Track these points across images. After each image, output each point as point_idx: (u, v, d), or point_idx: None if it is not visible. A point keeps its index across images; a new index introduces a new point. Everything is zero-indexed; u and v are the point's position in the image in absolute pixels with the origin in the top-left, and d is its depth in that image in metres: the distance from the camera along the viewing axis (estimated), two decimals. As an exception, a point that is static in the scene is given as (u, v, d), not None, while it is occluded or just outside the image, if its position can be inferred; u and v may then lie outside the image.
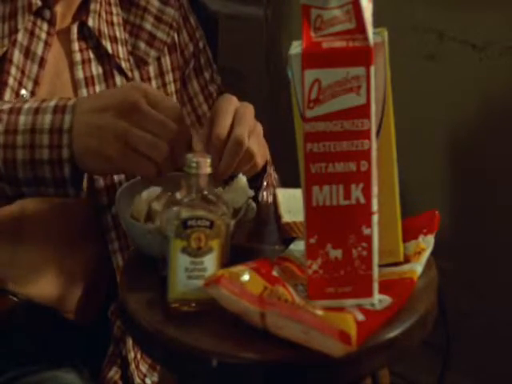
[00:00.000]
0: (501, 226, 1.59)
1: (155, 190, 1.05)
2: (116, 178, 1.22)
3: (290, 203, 1.11)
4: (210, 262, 0.90)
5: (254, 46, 1.86)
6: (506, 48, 1.49)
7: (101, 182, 1.21)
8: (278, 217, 1.10)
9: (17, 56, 1.18)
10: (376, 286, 0.88)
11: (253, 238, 1.08)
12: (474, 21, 1.51)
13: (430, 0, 1.56)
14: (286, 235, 1.06)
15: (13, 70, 1.17)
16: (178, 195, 0.92)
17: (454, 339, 1.08)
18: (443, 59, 1.56)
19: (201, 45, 1.38)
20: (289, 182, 1.12)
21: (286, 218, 1.07)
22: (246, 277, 0.88)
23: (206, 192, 0.91)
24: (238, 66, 1.81)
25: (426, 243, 0.99)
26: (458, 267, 1.56)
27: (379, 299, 0.89)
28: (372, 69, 0.84)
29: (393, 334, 0.87)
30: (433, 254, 1.01)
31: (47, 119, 1.00)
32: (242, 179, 1.06)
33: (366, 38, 0.85)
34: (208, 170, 0.91)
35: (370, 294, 0.88)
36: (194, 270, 0.90)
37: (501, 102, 1.53)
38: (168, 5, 1.32)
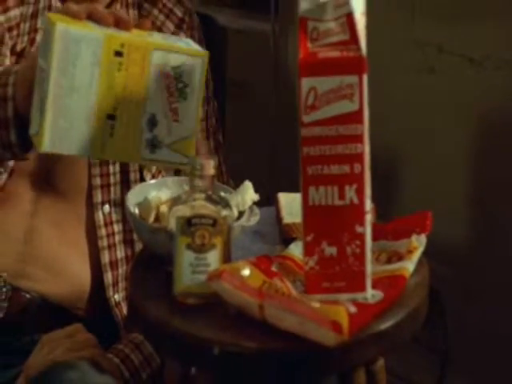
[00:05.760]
0: (499, 231, 1.62)
1: (164, 194, 1.11)
2: (112, 179, 1.28)
3: (292, 206, 1.16)
4: (213, 258, 0.96)
5: (262, 59, 1.90)
6: (503, 61, 1.52)
7: (97, 179, 1.27)
8: (279, 219, 1.15)
9: None
10: (369, 281, 0.94)
11: (255, 239, 1.13)
12: (471, 35, 1.54)
13: (429, 14, 1.60)
14: (287, 236, 1.12)
15: None
16: (184, 196, 0.98)
17: (453, 340, 1.12)
18: (442, 73, 1.60)
19: None
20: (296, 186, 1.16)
21: (287, 219, 1.13)
22: (246, 271, 0.94)
23: (209, 192, 0.97)
24: (247, 79, 1.86)
25: (419, 242, 1.04)
26: (457, 270, 1.59)
27: (372, 294, 0.94)
28: (365, 77, 0.90)
29: (384, 326, 0.93)
30: (433, 258, 1.05)
31: None
32: (248, 184, 1.11)
33: (358, 48, 0.90)
34: (212, 171, 0.97)
35: (363, 288, 0.94)
36: (198, 266, 0.96)
37: (498, 114, 1.57)
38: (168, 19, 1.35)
